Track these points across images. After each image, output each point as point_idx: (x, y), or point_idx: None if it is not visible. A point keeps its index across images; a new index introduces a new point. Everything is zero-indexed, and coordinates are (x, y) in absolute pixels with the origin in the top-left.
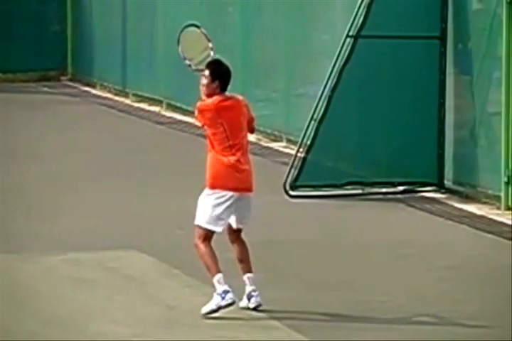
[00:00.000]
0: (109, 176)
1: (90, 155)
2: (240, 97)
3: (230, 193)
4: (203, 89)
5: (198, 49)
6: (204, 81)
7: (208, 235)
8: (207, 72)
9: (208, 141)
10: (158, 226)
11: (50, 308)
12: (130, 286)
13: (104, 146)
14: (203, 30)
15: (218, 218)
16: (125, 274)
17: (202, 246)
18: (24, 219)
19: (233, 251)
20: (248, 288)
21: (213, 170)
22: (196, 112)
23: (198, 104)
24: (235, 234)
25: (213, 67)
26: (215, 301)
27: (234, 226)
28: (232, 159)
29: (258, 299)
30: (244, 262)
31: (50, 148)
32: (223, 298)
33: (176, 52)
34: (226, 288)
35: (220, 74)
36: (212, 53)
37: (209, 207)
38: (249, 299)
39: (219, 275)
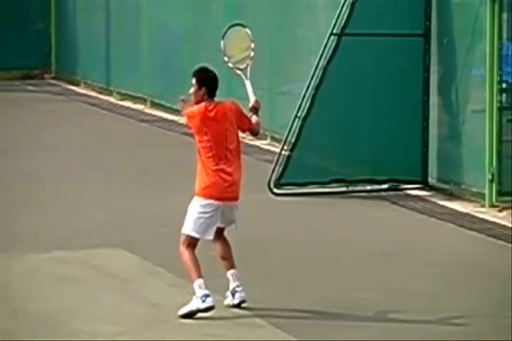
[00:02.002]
0: (92, 174)
1: (74, 152)
2: (228, 103)
3: (215, 202)
4: (191, 98)
5: (239, 48)
6: (192, 89)
7: (191, 242)
8: (194, 80)
9: (196, 149)
10: (142, 224)
11: (32, 306)
12: (114, 284)
13: (88, 144)
14: (248, 30)
15: (202, 226)
16: (109, 272)
17: (185, 252)
18: (6, 217)
19: (215, 249)
20: (232, 284)
21: (199, 179)
22: (185, 119)
23: (186, 110)
24: (217, 232)
25: (199, 74)
26: (195, 304)
27: (218, 225)
28: (216, 168)
29: (242, 294)
30: (227, 259)
31: (33, 145)
32: (203, 301)
33: (161, 50)
34: (206, 292)
35: (206, 81)
36: (252, 54)
37: (194, 215)
38: (233, 295)
39: (200, 281)
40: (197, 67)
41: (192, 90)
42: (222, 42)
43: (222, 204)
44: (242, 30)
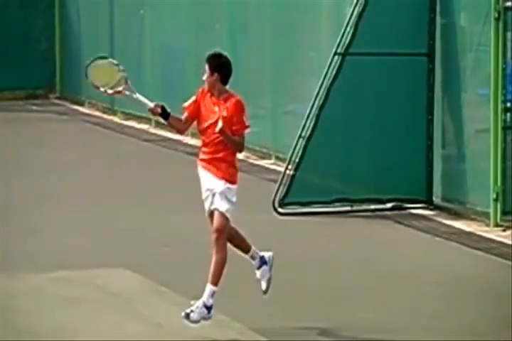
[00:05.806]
0: (94, 193)
1: (77, 172)
2: (234, 99)
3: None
4: (205, 85)
5: (108, 75)
6: (204, 76)
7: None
8: (206, 66)
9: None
10: (145, 243)
11: (35, 325)
12: (117, 304)
13: (90, 164)
14: (110, 59)
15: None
16: (112, 292)
17: (225, 241)
18: (10, 237)
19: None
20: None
21: (234, 168)
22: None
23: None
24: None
25: (212, 60)
26: (203, 312)
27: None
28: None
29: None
30: (242, 243)
31: (37, 165)
32: (209, 313)
33: (163, 69)
34: (212, 303)
35: (218, 66)
36: (125, 74)
37: (234, 199)
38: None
39: (215, 288)
40: (210, 52)
41: (205, 76)
42: (89, 80)
43: None
44: (104, 62)
